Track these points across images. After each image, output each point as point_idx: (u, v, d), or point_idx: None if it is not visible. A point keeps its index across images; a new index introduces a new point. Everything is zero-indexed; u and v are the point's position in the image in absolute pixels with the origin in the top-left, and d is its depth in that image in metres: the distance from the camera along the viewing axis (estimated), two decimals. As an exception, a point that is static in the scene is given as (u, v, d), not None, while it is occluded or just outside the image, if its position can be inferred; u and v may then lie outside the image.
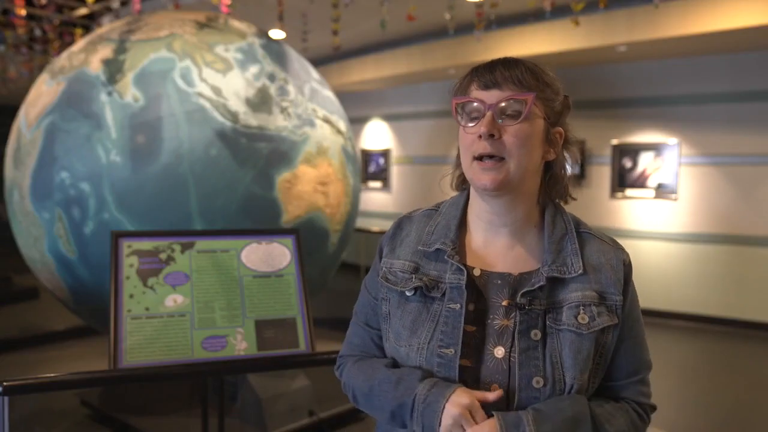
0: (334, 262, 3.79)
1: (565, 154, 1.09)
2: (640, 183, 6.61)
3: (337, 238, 3.60)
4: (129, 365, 2.19)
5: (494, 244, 1.07)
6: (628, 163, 6.67)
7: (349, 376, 1.15)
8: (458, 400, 0.94)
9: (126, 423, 3.34)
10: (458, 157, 1.12)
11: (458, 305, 1.01)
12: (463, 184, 1.14)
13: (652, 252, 6.53)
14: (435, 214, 1.14)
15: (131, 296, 2.31)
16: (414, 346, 1.03)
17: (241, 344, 2.37)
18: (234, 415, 3.40)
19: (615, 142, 6.73)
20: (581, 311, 1.00)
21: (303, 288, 2.56)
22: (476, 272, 1.05)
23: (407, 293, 1.06)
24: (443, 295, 1.03)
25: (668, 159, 6.41)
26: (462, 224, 1.10)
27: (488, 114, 0.99)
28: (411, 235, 1.12)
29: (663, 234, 6.49)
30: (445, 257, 1.05)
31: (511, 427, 0.93)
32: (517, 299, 1.00)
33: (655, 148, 6.49)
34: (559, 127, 1.07)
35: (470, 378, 0.99)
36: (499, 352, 0.99)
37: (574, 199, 1.12)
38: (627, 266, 1.07)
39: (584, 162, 6.90)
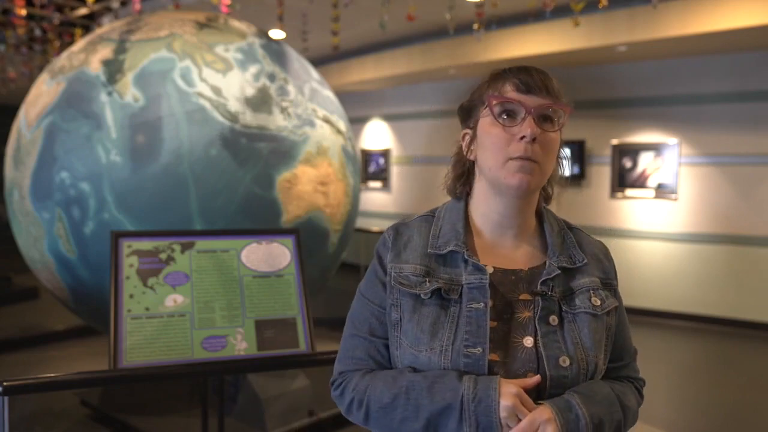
0: (334, 262, 3.79)
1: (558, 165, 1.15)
2: (640, 183, 6.61)
3: (337, 238, 3.60)
4: (129, 365, 2.19)
5: (502, 245, 1.11)
6: (628, 163, 6.67)
7: (359, 391, 1.06)
8: (508, 390, 0.95)
9: (126, 423, 3.35)
10: (456, 158, 1.15)
11: (482, 304, 1.02)
12: (458, 186, 1.15)
13: (652, 252, 6.53)
14: (433, 219, 1.13)
15: (131, 296, 2.32)
16: (436, 350, 1.00)
17: (241, 344, 2.37)
18: (234, 415, 3.41)
19: (615, 142, 6.73)
20: (593, 295, 1.07)
21: (303, 288, 2.56)
22: (489, 269, 1.06)
23: (423, 296, 1.04)
24: (460, 296, 1.04)
25: (668, 159, 6.41)
26: (466, 227, 1.11)
27: (530, 118, 1.02)
28: (414, 240, 1.10)
29: (663, 234, 6.49)
30: (465, 257, 1.05)
31: (565, 411, 0.96)
32: (538, 288, 1.05)
33: (655, 148, 6.48)
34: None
35: (501, 371, 1.00)
36: (528, 341, 1.02)
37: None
38: (611, 257, 1.20)
39: (584, 162, 6.91)
